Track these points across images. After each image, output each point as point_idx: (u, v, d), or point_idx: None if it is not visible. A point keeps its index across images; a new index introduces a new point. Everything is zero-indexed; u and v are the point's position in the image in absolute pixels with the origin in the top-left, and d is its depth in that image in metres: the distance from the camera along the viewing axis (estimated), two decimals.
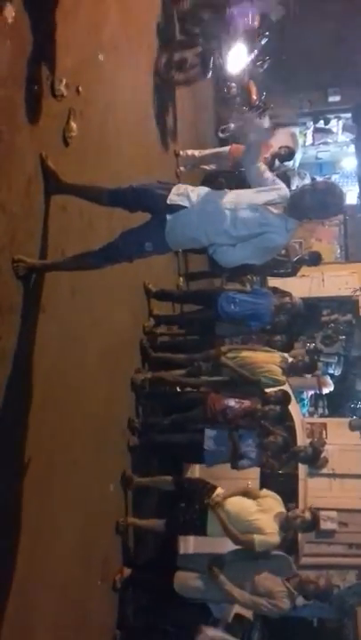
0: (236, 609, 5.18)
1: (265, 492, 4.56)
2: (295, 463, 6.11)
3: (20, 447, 2.96)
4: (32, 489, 3.03)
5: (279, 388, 5.05)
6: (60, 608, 3.40)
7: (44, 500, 3.20)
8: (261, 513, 4.26)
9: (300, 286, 8.05)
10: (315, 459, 5.38)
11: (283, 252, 6.36)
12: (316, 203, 3.03)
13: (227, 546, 4.43)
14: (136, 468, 4.72)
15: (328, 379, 10.27)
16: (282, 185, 3.21)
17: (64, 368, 3.44)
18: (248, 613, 5.42)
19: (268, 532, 4.14)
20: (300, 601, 4.30)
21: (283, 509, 4.36)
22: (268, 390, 4.93)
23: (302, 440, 6.90)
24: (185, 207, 3.09)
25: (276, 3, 8.16)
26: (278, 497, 4.49)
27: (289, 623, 6.12)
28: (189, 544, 5.09)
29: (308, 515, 4.35)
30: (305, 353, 8.38)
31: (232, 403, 4.71)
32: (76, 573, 3.67)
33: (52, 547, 3.31)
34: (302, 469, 6.73)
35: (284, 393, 4.98)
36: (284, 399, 4.88)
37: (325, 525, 7.67)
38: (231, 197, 3.18)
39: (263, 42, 10.07)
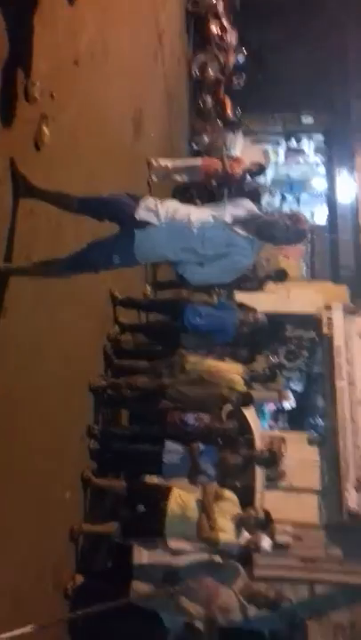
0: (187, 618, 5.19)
1: (227, 493, 4.61)
2: (252, 474, 6.18)
3: None
4: None
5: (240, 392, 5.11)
6: (10, 615, 3.35)
7: None
8: (220, 515, 4.33)
9: (265, 301, 8.15)
10: (273, 461, 5.49)
11: (249, 268, 6.43)
12: (282, 234, 3.19)
13: (179, 557, 4.47)
14: (95, 473, 4.72)
15: (289, 393, 10.42)
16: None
17: (24, 372, 3.41)
18: (199, 623, 5.42)
19: (229, 532, 4.22)
20: (252, 612, 4.37)
21: (239, 510, 4.45)
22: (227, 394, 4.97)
23: None
24: (154, 224, 3.13)
25: None
26: (236, 498, 4.57)
27: (241, 634, 6.14)
28: (143, 554, 5.08)
29: (261, 513, 4.46)
30: (266, 363, 8.49)
31: (191, 420, 4.77)
32: (28, 578, 3.63)
33: (3, 548, 3.27)
34: (259, 482, 6.79)
35: (245, 395, 5.05)
36: (244, 401, 4.96)
37: (280, 539, 7.74)
38: (199, 214, 3.24)
39: (240, 59, 10.29)
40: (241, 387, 5.14)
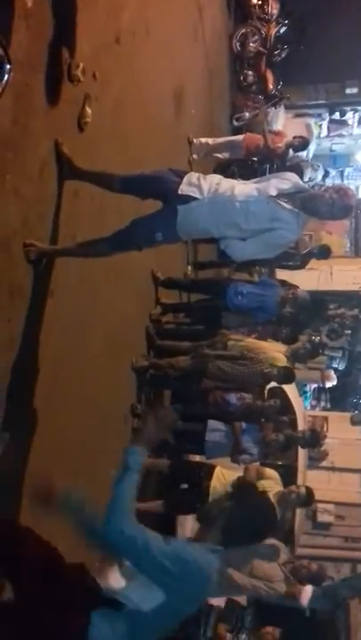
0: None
1: (268, 472, 4.63)
2: (295, 453, 6.18)
3: (27, 428, 3.01)
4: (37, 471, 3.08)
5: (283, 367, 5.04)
6: None
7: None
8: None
9: (308, 279, 8.04)
10: (314, 442, 5.44)
11: (292, 244, 6.34)
12: (327, 209, 3.07)
13: None
14: None
15: (332, 372, 10.30)
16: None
17: (70, 353, 3.47)
18: (241, 599, 5.51)
19: None
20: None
21: (281, 488, 4.47)
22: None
23: None
24: (196, 198, 3.09)
25: None
26: (278, 476, 4.58)
27: (281, 611, 6.20)
28: (187, 529, 5.16)
29: (302, 490, 4.47)
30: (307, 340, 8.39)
31: (233, 399, 4.76)
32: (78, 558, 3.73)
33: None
34: (302, 461, 6.79)
35: (287, 369, 4.99)
36: (286, 376, 4.90)
37: (322, 518, 7.77)
38: (242, 188, 3.18)
39: (282, 30, 10.01)
40: (283, 363, 5.10)
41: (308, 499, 4.59)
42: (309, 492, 4.54)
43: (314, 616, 7.06)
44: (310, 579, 4.34)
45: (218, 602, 5.29)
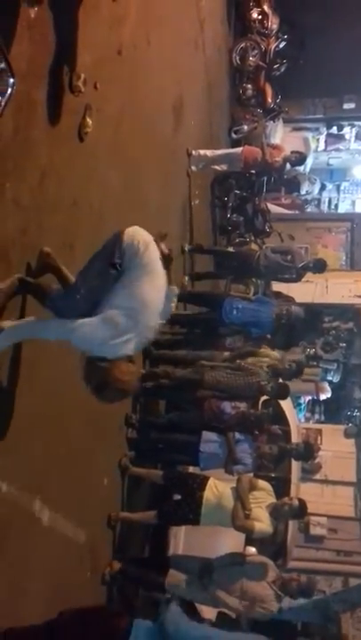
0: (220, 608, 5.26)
1: (261, 483, 4.62)
2: (288, 465, 6.16)
3: (15, 434, 3.00)
4: (31, 479, 3.07)
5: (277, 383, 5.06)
6: (49, 594, 3.44)
7: (42, 489, 3.24)
8: (255, 505, 4.35)
9: (303, 292, 8.08)
10: (308, 455, 5.45)
11: (288, 257, 6.39)
12: None
13: (214, 550, 4.53)
14: (133, 461, 4.78)
15: (326, 385, 10.32)
16: None
17: (63, 362, 3.46)
18: (231, 613, 5.48)
19: (264, 521, 4.24)
20: (286, 603, 4.39)
21: (274, 500, 4.46)
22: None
23: None
24: None
25: None
26: (270, 488, 4.58)
27: (273, 624, 6.17)
28: (179, 545, 5.14)
29: (295, 502, 4.46)
30: (303, 360, 8.38)
31: (228, 408, 4.77)
32: (67, 563, 3.72)
33: (47, 534, 3.35)
34: (295, 474, 6.76)
35: (281, 384, 5.01)
36: (280, 391, 4.93)
37: (315, 531, 7.75)
38: None
39: (281, 45, 10.12)
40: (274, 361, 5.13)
41: (301, 511, 4.59)
42: (302, 504, 4.54)
43: (306, 629, 7.04)
44: (301, 592, 4.32)
45: (209, 615, 5.25)
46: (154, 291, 2.74)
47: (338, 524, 7.95)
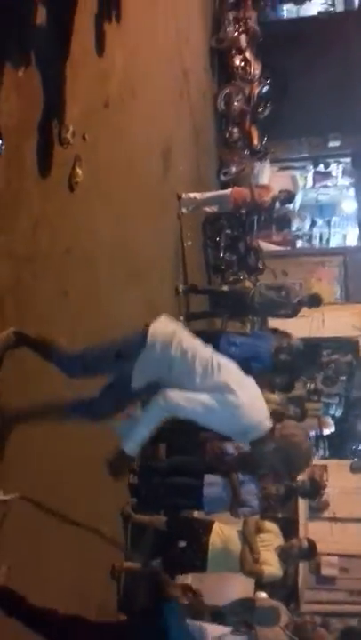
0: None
1: (268, 525, 4.54)
2: (295, 505, 6.07)
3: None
4: (26, 531, 3.00)
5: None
6: None
7: (36, 544, 3.17)
8: (263, 548, 4.27)
9: (300, 327, 8.07)
10: (315, 492, 5.36)
11: (283, 293, 6.43)
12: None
13: (223, 596, 4.41)
14: (135, 509, 4.69)
15: (329, 419, 10.22)
16: None
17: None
18: None
19: (273, 565, 4.14)
20: None
21: (281, 542, 4.37)
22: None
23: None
24: None
25: None
26: (278, 529, 4.49)
27: None
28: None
29: (304, 543, 4.36)
30: (304, 395, 8.35)
31: (230, 448, 4.72)
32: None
33: (48, 589, 3.27)
34: (302, 513, 6.66)
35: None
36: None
37: (326, 571, 7.54)
38: None
39: (264, 89, 10.42)
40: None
41: (311, 552, 4.50)
42: (312, 544, 4.45)
43: None
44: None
45: None
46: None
47: (349, 562, 7.74)
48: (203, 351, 2.72)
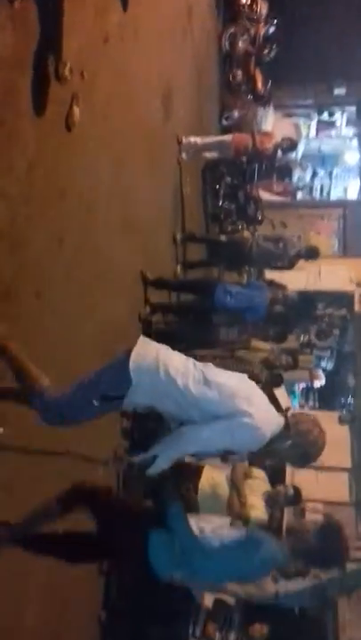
0: (216, 595, 5.29)
1: (256, 472, 4.64)
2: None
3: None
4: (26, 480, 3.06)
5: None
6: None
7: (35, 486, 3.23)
8: (250, 493, 4.38)
9: (296, 279, 8.05)
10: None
11: (280, 245, 6.38)
12: None
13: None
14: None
15: (320, 372, 10.34)
16: None
17: (58, 355, 3.45)
18: (229, 598, 5.52)
19: (259, 509, 4.27)
20: (283, 587, 4.41)
21: (268, 488, 4.49)
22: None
23: None
24: None
25: None
26: (265, 476, 4.60)
27: (272, 610, 6.23)
28: None
29: (290, 489, 4.48)
30: (297, 347, 8.39)
31: None
32: None
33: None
34: None
35: (275, 375, 5.02)
36: (273, 380, 4.93)
37: (310, 517, 7.78)
38: None
39: (270, 30, 10.03)
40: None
41: (296, 498, 4.62)
42: (297, 491, 4.57)
43: (303, 615, 7.10)
44: (298, 574, 4.35)
45: (206, 602, 5.30)
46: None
47: (334, 509, 7.99)
48: (190, 371, 2.48)
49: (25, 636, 3.29)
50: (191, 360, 2.57)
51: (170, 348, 2.58)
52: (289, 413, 2.65)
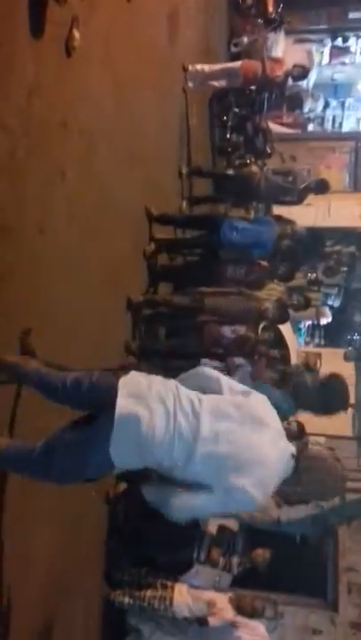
0: (220, 521, 5.47)
1: None
2: None
3: None
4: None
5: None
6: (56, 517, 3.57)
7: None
8: None
9: (305, 215, 7.90)
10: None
11: (289, 179, 6.21)
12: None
13: None
14: None
15: (327, 310, 10.33)
16: None
17: (61, 289, 3.43)
18: (232, 524, 5.72)
19: None
20: (285, 516, 4.55)
21: None
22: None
23: None
24: None
25: None
26: None
27: (272, 537, 6.47)
28: None
29: (293, 424, 4.56)
30: (304, 285, 8.34)
31: (228, 332, 4.76)
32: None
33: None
34: None
35: (282, 309, 5.00)
36: (280, 315, 4.93)
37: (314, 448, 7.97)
38: None
39: None
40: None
41: (300, 432, 4.67)
42: (300, 426, 4.62)
43: (304, 542, 7.39)
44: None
45: (210, 528, 5.49)
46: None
47: (336, 443, 8.18)
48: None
49: (39, 555, 3.42)
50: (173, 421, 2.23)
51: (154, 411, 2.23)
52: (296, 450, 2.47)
